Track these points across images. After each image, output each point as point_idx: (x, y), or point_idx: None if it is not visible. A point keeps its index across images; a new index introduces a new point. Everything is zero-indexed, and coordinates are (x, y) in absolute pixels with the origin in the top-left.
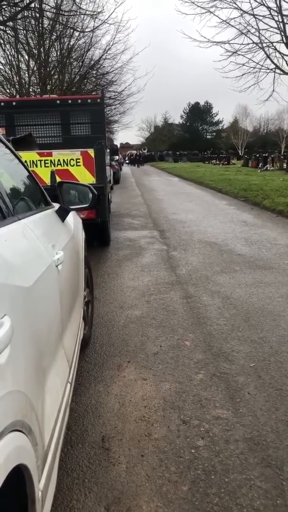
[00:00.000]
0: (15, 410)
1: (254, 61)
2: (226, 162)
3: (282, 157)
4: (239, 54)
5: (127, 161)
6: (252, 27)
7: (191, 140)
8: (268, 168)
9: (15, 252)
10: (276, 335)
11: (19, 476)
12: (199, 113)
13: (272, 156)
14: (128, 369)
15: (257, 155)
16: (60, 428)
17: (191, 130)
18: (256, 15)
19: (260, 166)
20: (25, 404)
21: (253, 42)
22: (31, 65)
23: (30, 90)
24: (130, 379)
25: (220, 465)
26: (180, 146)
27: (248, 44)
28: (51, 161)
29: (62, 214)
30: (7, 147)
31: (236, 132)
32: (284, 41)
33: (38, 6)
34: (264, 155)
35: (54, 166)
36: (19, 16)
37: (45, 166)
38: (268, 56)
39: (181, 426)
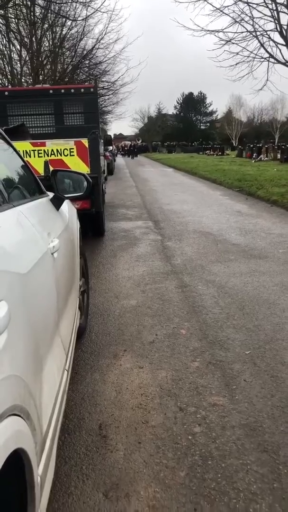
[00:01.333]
0: (13, 395)
1: (248, 50)
2: (220, 153)
3: (276, 147)
4: (233, 43)
5: (121, 152)
6: (246, 15)
7: (185, 131)
8: (262, 159)
9: (11, 238)
10: (271, 323)
11: (18, 461)
12: (193, 103)
13: (266, 146)
14: (124, 357)
15: (251, 146)
16: (58, 415)
17: (185, 120)
18: (250, 3)
19: (254, 156)
20: (23, 389)
21: (247, 31)
22: (23, 55)
23: (22, 80)
24: (126, 367)
25: (217, 451)
26: (174, 137)
27: (242, 32)
28: (44, 151)
29: (57, 202)
30: (1, 136)
31: (230, 123)
32: (278, 29)
33: None
34: (258, 145)
35: (48, 156)
36: (10, 4)
37: (38, 156)
38: (262, 45)
39: (178, 413)
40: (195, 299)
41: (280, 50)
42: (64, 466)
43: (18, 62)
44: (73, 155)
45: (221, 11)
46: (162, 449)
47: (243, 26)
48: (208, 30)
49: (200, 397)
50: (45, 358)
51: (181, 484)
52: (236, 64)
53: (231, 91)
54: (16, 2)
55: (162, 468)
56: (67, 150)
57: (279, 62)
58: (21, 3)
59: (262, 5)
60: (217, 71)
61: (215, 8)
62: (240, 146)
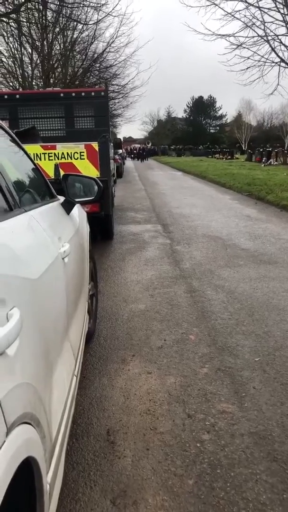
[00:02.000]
0: (24, 403)
1: (259, 55)
2: (229, 157)
3: (286, 151)
4: (244, 47)
5: (131, 156)
6: (258, 19)
7: (195, 135)
8: (272, 163)
9: (23, 243)
10: (280, 329)
11: (28, 469)
12: (202, 107)
13: (276, 150)
14: (133, 362)
15: (261, 150)
16: (67, 420)
17: (195, 124)
18: (262, 7)
19: (263, 160)
20: (34, 396)
21: (258, 35)
22: (34, 58)
23: (33, 83)
24: (134, 372)
25: (226, 459)
26: (183, 140)
27: (253, 37)
28: (55, 154)
29: (68, 206)
30: (12, 139)
31: (240, 127)
32: None
33: None
34: (268, 149)
35: (58, 159)
36: (23, 8)
37: (49, 159)
38: (273, 49)
39: (186, 420)
40: (204, 304)
41: None
42: (72, 471)
43: (29, 65)
44: (83, 159)
45: (232, 15)
46: (170, 456)
47: (254, 31)
48: (219, 35)
49: (209, 404)
50: (55, 363)
51: (189, 492)
52: (247, 69)
53: (242, 95)
54: (28, 6)
55: (171, 475)
56: (77, 153)
57: None
58: (33, 7)
59: (274, 10)
60: (228, 75)
61: (226, 13)
62: (249, 150)
